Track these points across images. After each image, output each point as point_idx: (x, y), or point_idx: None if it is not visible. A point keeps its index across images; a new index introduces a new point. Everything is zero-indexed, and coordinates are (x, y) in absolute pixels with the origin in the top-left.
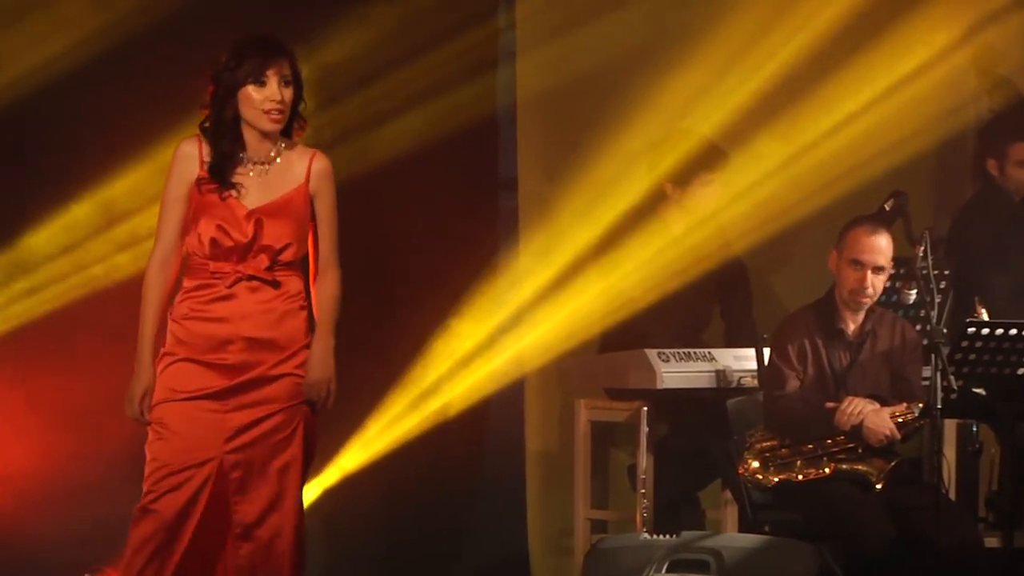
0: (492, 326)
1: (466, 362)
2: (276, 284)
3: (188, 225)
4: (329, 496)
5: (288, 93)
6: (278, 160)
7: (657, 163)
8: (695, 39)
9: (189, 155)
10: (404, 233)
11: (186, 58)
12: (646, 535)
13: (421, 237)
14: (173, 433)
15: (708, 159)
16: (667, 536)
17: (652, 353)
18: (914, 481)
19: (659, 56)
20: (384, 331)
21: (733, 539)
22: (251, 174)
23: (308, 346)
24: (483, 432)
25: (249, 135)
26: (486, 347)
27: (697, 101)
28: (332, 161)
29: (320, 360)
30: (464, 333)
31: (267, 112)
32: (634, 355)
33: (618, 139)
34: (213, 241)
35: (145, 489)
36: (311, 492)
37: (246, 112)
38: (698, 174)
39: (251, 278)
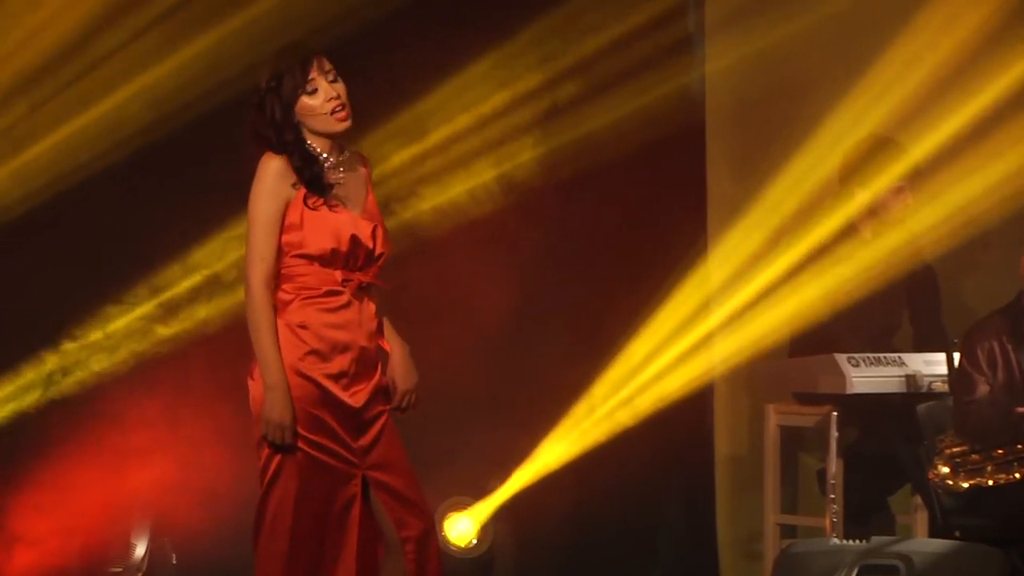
0: (681, 331)
1: (657, 366)
2: (375, 295)
3: (305, 235)
4: (519, 499)
5: (340, 87)
6: (345, 159)
7: (848, 168)
8: (885, 43)
9: (282, 171)
10: (593, 237)
11: None
12: (836, 540)
13: (609, 241)
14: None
15: (899, 165)
16: (857, 541)
17: (842, 358)
18: None
19: (850, 60)
20: (576, 337)
21: (923, 544)
22: (336, 180)
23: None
24: (673, 436)
25: (319, 144)
26: (675, 352)
27: (886, 106)
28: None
29: (411, 366)
30: (651, 338)
31: (332, 113)
32: (824, 360)
33: (808, 144)
34: (348, 249)
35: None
36: (502, 494)
37: (312, 123)
38: (889, 180)
39: (368, 287)
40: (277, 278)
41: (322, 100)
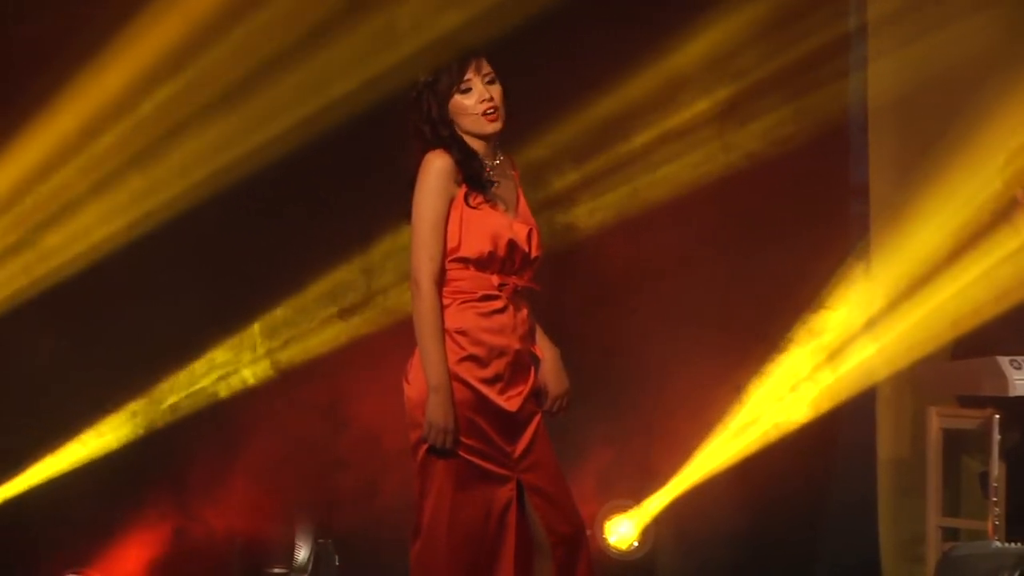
0: (843, 333)
1: (817, 369)
2: (528, 298)
3: (463, 237)
4: (680, 501)
5: (496, 90)
6: (498, 163)
7: (1008, 169)
8: None
9: (448, 168)
10: (754, 238)
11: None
12: (998, 543)
13: (770, 243)
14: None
15: None
16: (1019, 544)
17: (1004, 360)
18: None
19: (1014, 59)
20: (737, 338)
21: None
22: (492, 182)
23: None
24: (835, 439)
25: (472, 144)
26: (837, 354)
27: None
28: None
29: (562, 371)
30: (814, 340)
31: (484, 114)
32: (986, 362)
33: (970, 144)
34: (505, 253)
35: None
36: (663, 497)
37: (463, 122)
38: None
39: (523, 290)
40: (442, 276)
41: (475, 100)
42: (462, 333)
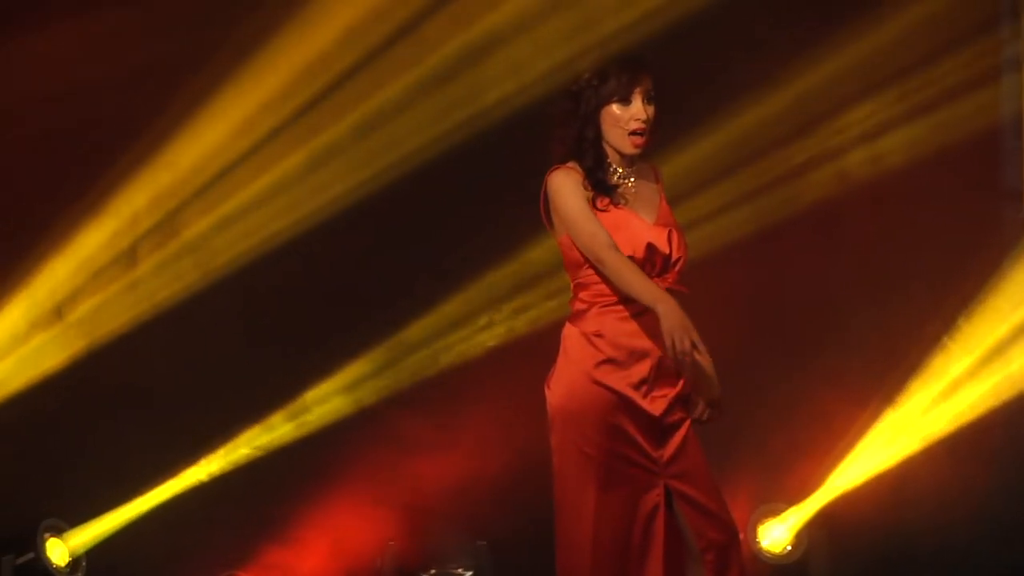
0: (994, 340)
1: (977, 369)
2: (684, 299)
3: None
4: (834, 505)
5: (651, 110)
6: (634, 170)
7: None
8: None
9: (577, 180)
10: (905, 242)
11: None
12: None
13: (922, 247)
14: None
15: None
16: None
17: None
18: None
19: None
20: (891, 338)
21: None
22: (626, 187)
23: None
24: (992, 443)
25: (609, 150)
26: (998, 353)
27: None
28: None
29: (714, 377)
30: (976, 339)
31: (631, 133)
32: None
33: None
34: (644, 255)
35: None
36: (817, 500)
37: (608, 132)
38: None
39: (670, 292)
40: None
41: (629, 115)
42: (599, 336)
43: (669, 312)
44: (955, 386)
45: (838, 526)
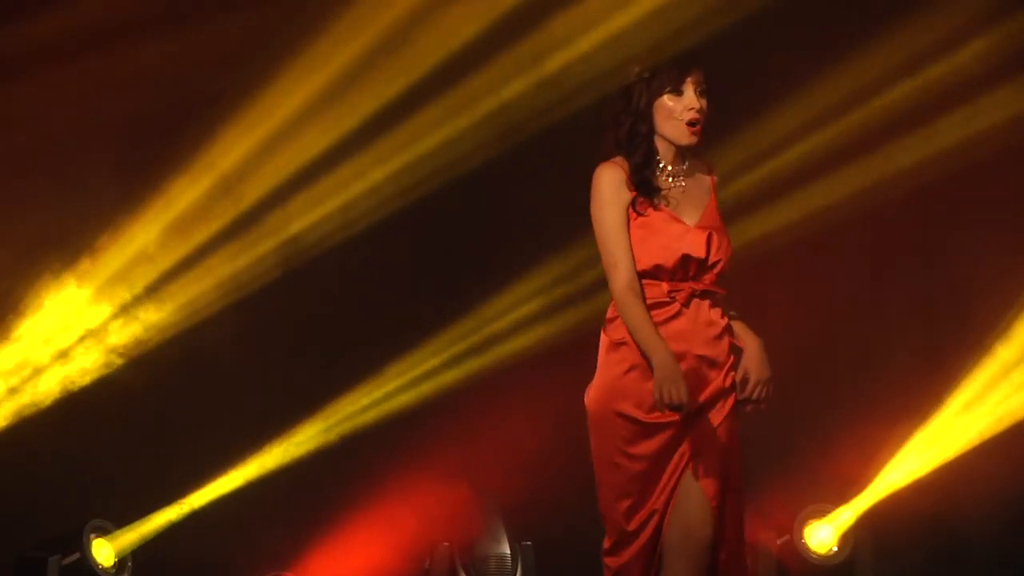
0: None
1: (1014, 376)
2: (718, 300)
3: (635, 246)
4: (881, 506)
5: (704, 103)
6: (686, 168)
7: None
8: None
9: (621, 179)
10: (955, 239)
11: None
12: None
13: (972, 244)
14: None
15: None
16: None
17: None
18: None
19: None
20: (939, 339)
21: None
22: (673, 187)
23: (735, 364)
24: None
25: (662, 147)
26: None
27: None
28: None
29: (765, 359)
30: (1009, 348)
31: (687, 122)
32: None
33: None
34: (676, 263)
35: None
36: (863, 501)
37: (663, 125)
38: None
39: (703, 294)
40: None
41: (683, 107)
42: (625, 343)
43: (661, 365)
44: (1001, 387)
45: (884, 527)
